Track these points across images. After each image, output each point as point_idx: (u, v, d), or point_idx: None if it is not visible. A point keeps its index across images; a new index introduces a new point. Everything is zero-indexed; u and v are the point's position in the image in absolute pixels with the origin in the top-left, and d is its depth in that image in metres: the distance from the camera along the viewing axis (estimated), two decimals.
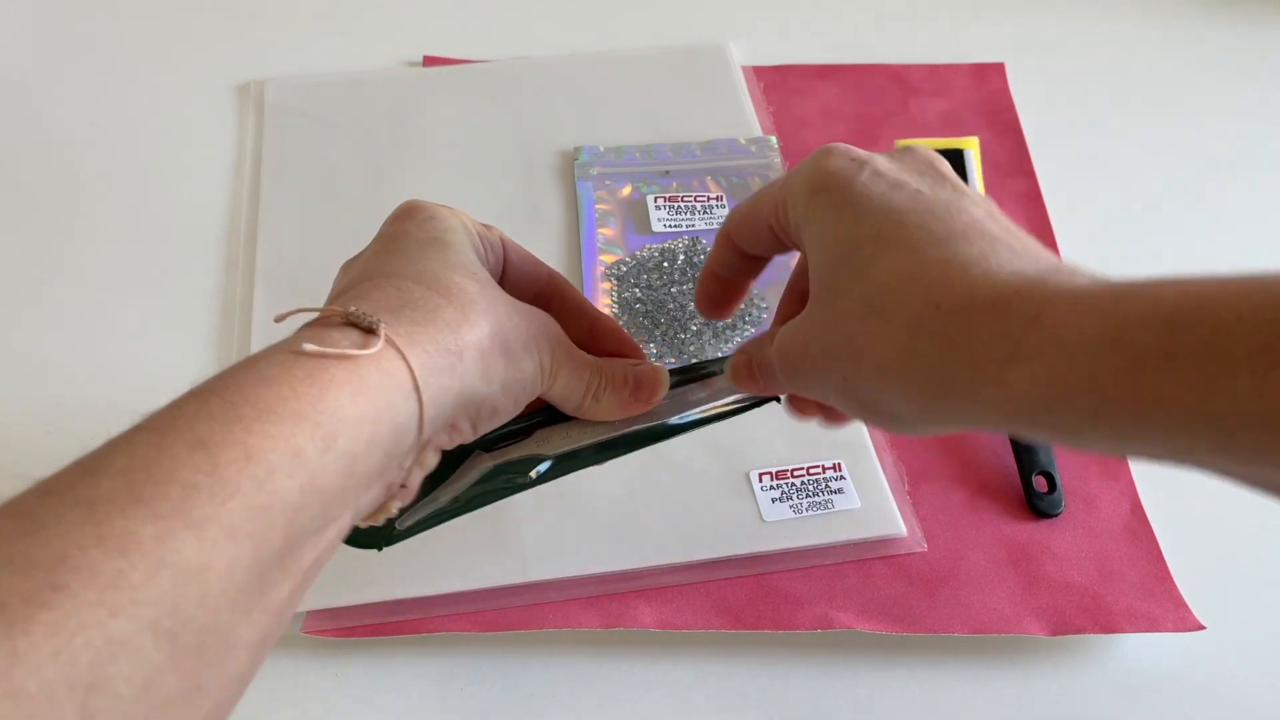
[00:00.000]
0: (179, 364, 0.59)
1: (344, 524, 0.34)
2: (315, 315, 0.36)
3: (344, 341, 0.34)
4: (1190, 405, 0.27)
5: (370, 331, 0.34)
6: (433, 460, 0.38)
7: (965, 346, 0.32)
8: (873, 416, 0.37)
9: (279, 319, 0.37)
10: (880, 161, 0.37)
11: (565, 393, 0.42)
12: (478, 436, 0.40)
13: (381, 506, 0.37)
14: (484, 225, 0.43)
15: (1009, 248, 0.35)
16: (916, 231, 0.35)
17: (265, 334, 0.59)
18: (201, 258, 0.64)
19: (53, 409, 0.57)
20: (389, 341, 0.34)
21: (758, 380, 0.43)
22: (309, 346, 0.33)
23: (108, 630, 0.25)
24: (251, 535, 0.29)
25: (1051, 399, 0.30)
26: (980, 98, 0.74)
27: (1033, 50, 0.77)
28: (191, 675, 0.27)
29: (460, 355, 0.36)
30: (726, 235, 0.43)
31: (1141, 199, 0.69)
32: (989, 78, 0.75)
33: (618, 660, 0.49)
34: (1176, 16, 0.81)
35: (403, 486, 0.37)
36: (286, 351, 0.33)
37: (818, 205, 0.37)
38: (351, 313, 0.35)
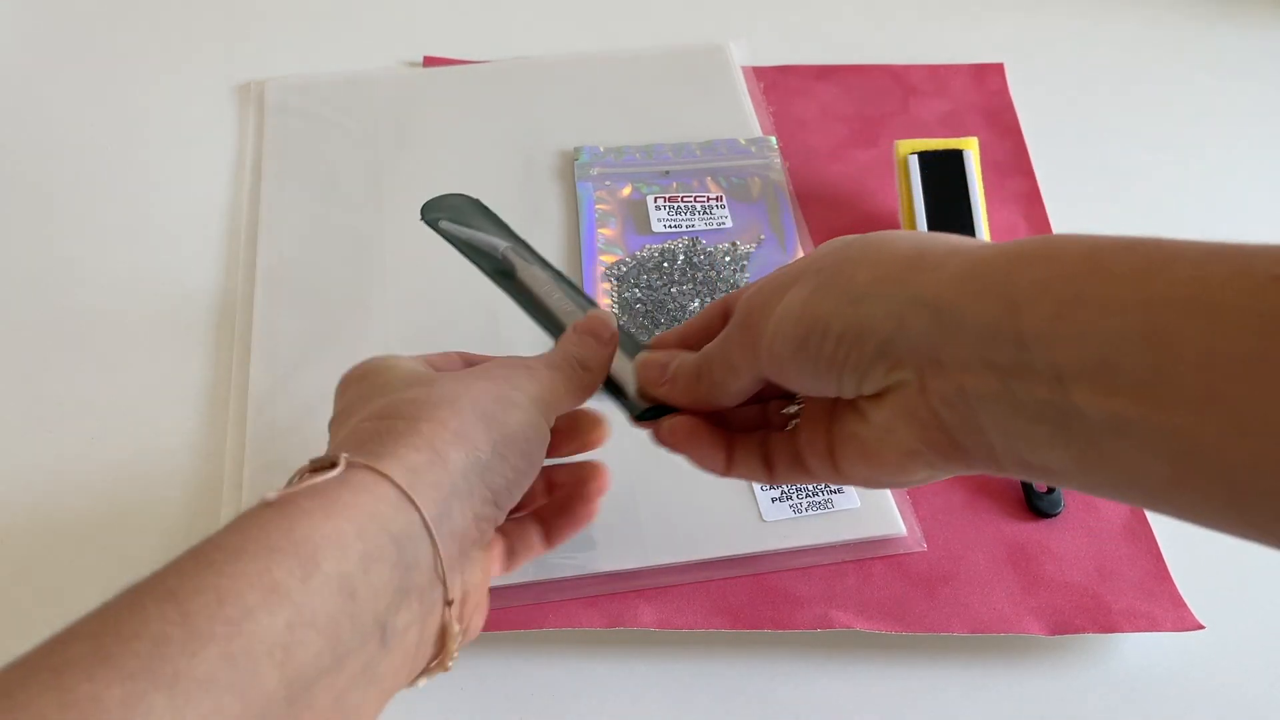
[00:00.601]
0: (179, 364, 0.59)
1: (371, 655, 0.32)
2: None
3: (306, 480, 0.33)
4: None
5: (334, 465, 0.33)
6: (472, 567, 0.38)
7: (954, 239, 0.35)
8: (819, 298, 0.36)
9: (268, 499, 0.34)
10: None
11: (568, 399, 0.42)
12: (509, 509, 0.39)
13: (443, 633, 0.36)
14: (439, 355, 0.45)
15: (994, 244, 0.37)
16: (924, 237, 0.37)
17: (265, 334, 0.59)
18: (201, 258, 0.64)
19: (53, 409, 0.58)
20: (352, 464, 0.34)
21: (693, 381, 0.41)
22: (271, 494, 0.32)
23: None
24: (232, 686, 0.27)
25: (1010, 264, 0.31)
26: (980, 98, 0.74)
27: (1032, 51, 0.77)
28: None
29: (434, 450, 0.35)
30: (722, 303, 0.44)
31: (1140, 199, 0.69)
32: (988, 78, 0.75)
33: (618, 659, 0.49)
34: (1176, 16, 0.81)
35: (450, 604, 0.35)
36: (255, 508, 0.32)
37: (845, 240, 0.38)
38: (314, 460, 0.34)
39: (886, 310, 0.34)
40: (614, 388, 0.46)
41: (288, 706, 0.28)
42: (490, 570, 0.42)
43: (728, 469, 0.43)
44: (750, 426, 0.44)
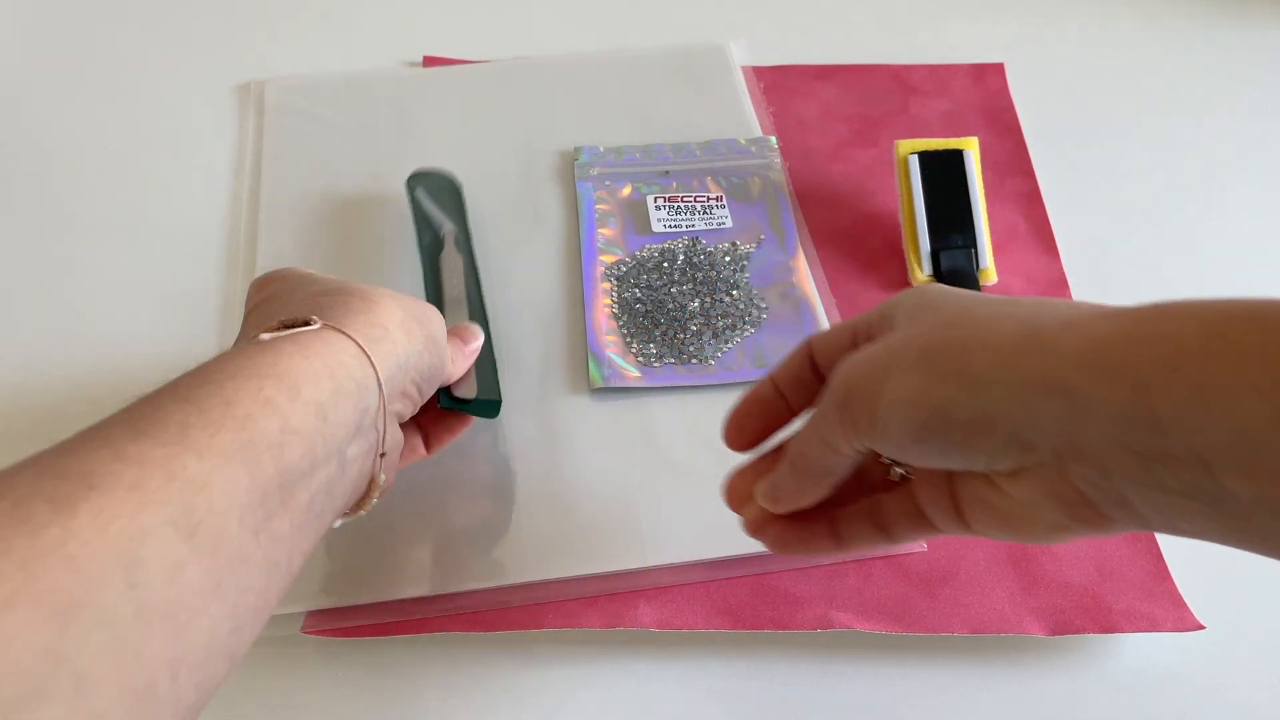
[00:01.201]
0: (180, 364, 0.59)
1: (332, 473, 0.38)
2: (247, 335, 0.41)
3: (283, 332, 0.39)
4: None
5: (306, 324, 0.40)
6: (396, 430, 0.43)
7: (1063, 313, 0.34)
8: (935, 381, 0.34)
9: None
10: None
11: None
12: (425, 400, 0.46)
13: (371, 481, 0.42)
14: None
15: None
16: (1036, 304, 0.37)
17: None
18: (202, 258, 0.64)
19: (54, 409, 0.57)
20: (325, 325, 0.40)
21: (784, 477, 0.41)
22: (264, 335, 0.38)
23: (137, 520, 0.30)
24: (244, 462, 0.33)
25: (1134, 344, 0.30)
26: (979, 98, 0.74)
27: (1032, 51, 0.77)
28: (210, 572, 0.31)
29: (385, 329, 0.42)
30: (806, 346, 0.43)
31: (1140, 199, 0.69)
32: (988, 78, 0.75)
33: (618, 659, 0.49)
34: (1175, 17, 0.81)
35: (382, 455, 0.42)
36: (244, 346, 0.38)
37: (915, 291, 0.39)
38: (284, 319, 0.40)
39: (1013, 397, 0.33)
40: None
41: (278, 493, 0.35)
42: (403, 446, 0.47)
43: (839, 546, 0.42)
44: (846, 496, 0.42)
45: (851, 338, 0.41)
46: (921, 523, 0.40)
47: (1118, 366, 0.31)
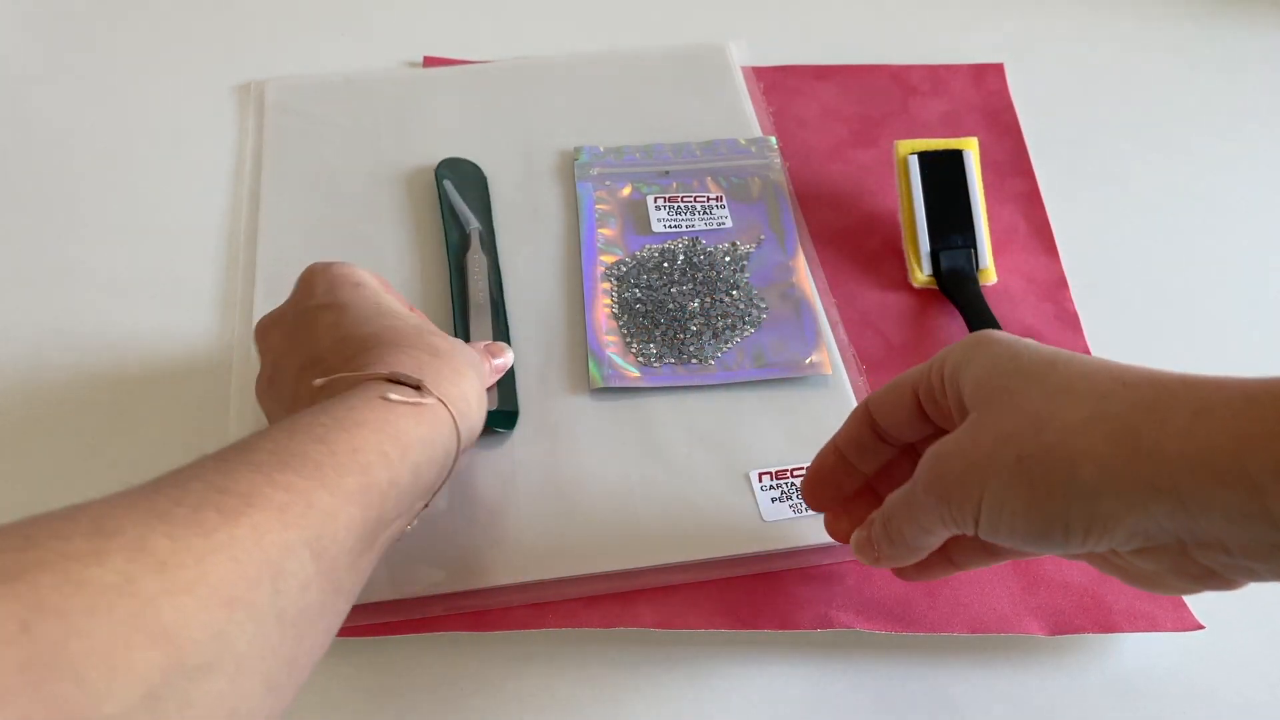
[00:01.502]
0: (180, 364, 0.59)
1: (403, 524, 0.43)
2: (355, 375, 0.44)
3: (402, 394, 0.43)
4: None
5: (417, 387, 0.43)
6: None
7: (1153, 405, 0.34)
8: (1040, 498, 0.36)
9: (319, 384, 0.44)
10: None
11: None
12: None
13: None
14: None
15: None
16: (1085, 356, 0.38)
17: None
18: (202, 258, 0.64)
19: (54, 409, 0.58)
20: (429, 393, 0.44)
21: (880, 542, 0.43)
22: (393, 396, 0.42)
23: (283, 538, 0.34)
24: (362, 505, 0.37)
25: (1240, 446, 0.31)
26: (979, 98, 0.74)
27: (1031, 51, 0.77)
28: (324, 593, 0.35)
29: (468, 402, 0.46)
30: (864, 409, 0.45)
31: (1139, 199, 0.69)
32: (988, 78, 0.75)
33: (618, 659, 0.49)
34: (1174, 17, 0.81)
35: (425, 506, 0.45)
36: (370, 397, 0.42)
37: (981, 350, 0.40)
38: (395, 374, 0.43)
39: (1128, 504, 0.34)
40: None
41: (372, 534, 0.39)
42: None
43: (953, 569, 0.45)
44: None
45: (913, 398, 0.42)
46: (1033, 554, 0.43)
47: (1227, 472, 0.31)
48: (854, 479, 0.46)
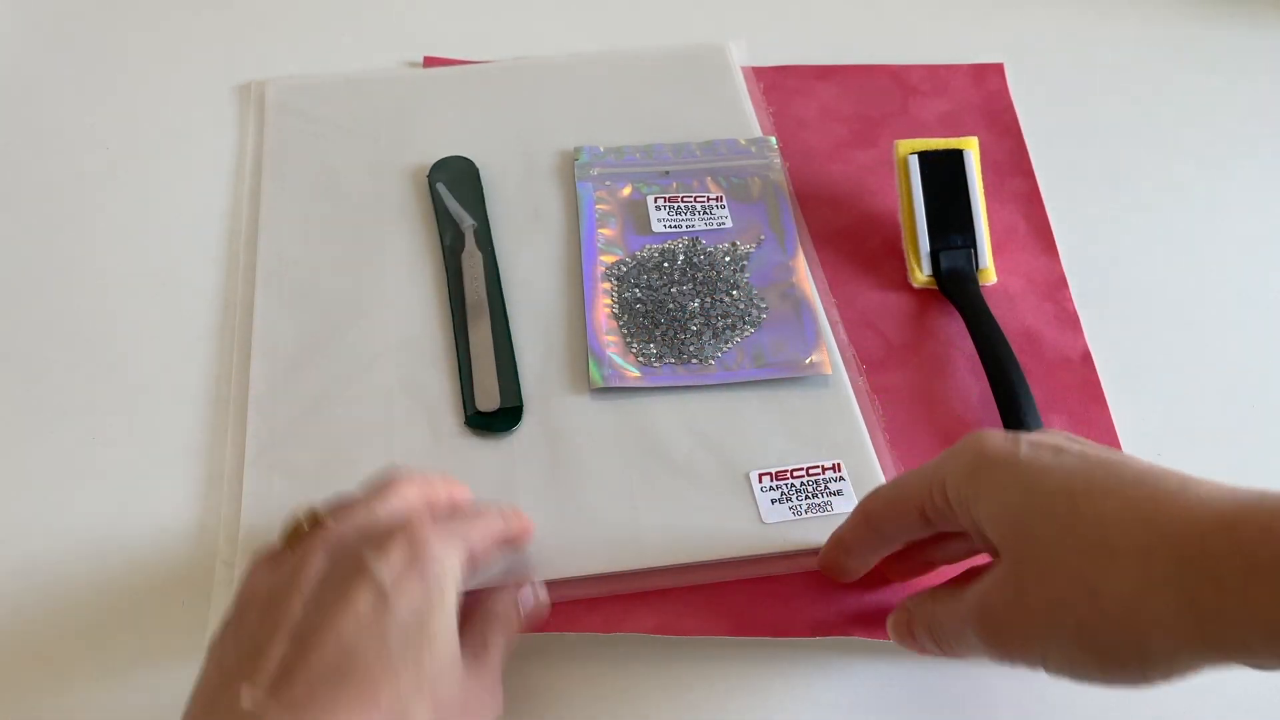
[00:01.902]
0: (180, 365, 0.60)
1: None
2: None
3: None
4: None
5: None
6: None
7: (1201, 564, 0.34)
8: (1113, 665, 0.37)
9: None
10: (1031, 436, 0.40)
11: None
12: None
13: None
14: (470, 551, 0.43)
15: (1197, 479, 0.37)
16: (1107, 479, 0.37)
17: (266, 334, 0.59)
18: (202, 258, 0.64)
19: (54, 409, 0.58)
20: None
21: (925, 644, 0.44)
22: None
23: None
24: None
25: None
26: (979, 98, 0.74)
27: (1031, 51, 0.77)
28: None
29: None
30: (865, 516, 0.45)
31: (1139, 199, 0.69)
32: (988, 78, 0.75)
33: (618, 662, 0.49)
34: (1174, 17, 0.81)
35: None
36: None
37: (986, 480, 0.39)
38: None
39: (1204, 658, 0.35)
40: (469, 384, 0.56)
41: None
42: None
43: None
44: None
45: (919, 515, 0.42)
46: None
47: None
48: (869, 561, 0.47)
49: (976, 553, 0.44)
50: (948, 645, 0.43)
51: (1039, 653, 0.38)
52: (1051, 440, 0.40)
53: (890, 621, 0.46)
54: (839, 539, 0.47)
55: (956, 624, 0.41)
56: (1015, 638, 0.38)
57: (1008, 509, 0.38)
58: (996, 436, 0.40)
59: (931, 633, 0.43)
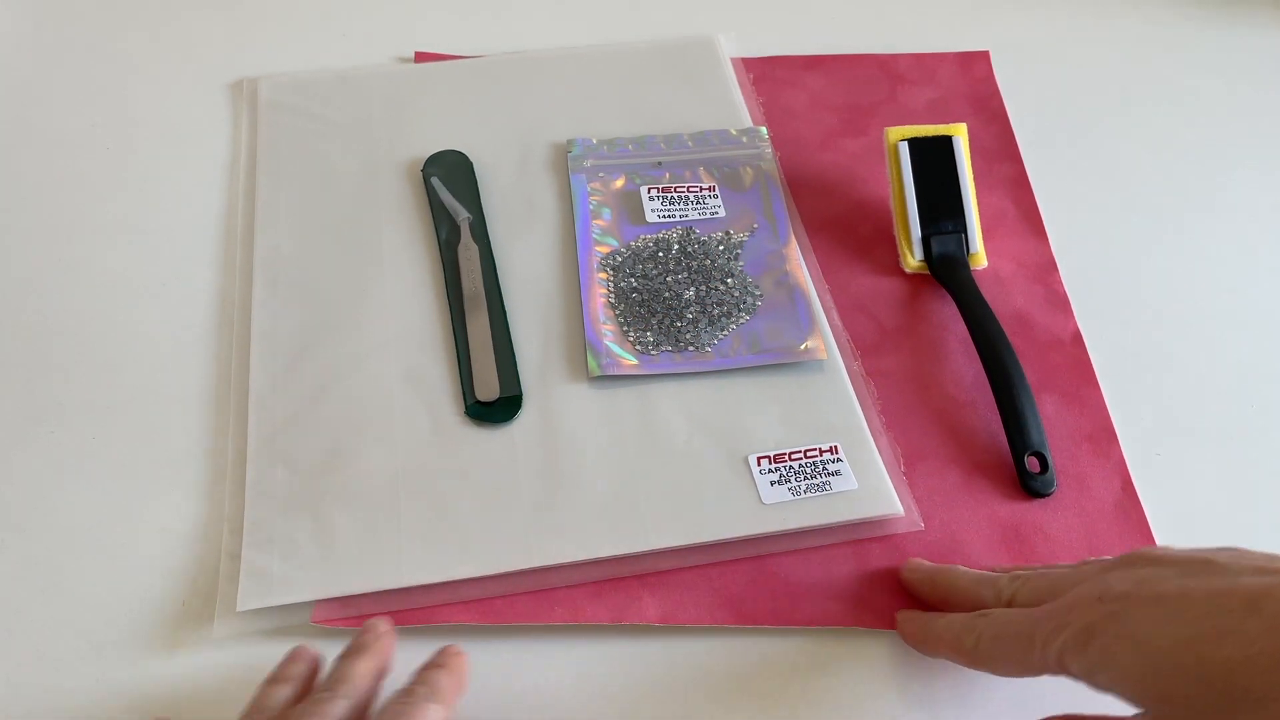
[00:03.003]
0: (179, 364, 0.60)
1: None
2: None
3: None
4: None
5: None
6: None
7: None
8: None
9: None
10: (1115, 577, 0.39)
11: None
12: None
13: None
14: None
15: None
16: (1221, 618, 0.36)
17: (264, 329, 0.60)
18: (199, 257, 0.64)
19: (54, 410, 0.58)
20: None
21: (979, 665, 0.44)
22: None
23: None
24: None
25: None
26: (966, 85, 0.74)
27: (1018, 38, 0.78)
28: None
29: None
30: (971, 655, 0.44)
31: (1126, 182, 0.70)
32: (974, 66, 0.76)
33: (621, 649, 0.50)
34: (1159, 3, 0.82)
35: None
36: None
37: (1098, 651, 0.38)
38: None
39: None
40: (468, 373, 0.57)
41: None
42: None
43: None
44: None
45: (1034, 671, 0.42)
46: None
47: None
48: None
49: None
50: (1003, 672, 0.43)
51: None
52: (1154, 565, 0.39)
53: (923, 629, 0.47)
54: (930, 644, 0.47)
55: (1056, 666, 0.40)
56: None
57: (1130, 675, 0.37)
58: (1093, 592, 0.39)
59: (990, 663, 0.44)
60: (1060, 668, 0.40)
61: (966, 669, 0.45)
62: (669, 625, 0.50)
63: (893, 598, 0.51)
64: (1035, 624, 0.41)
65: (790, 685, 0.49)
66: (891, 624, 0.50)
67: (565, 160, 0.68)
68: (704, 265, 0.62)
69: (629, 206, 0.65)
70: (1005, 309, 0.61)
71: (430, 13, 0.79)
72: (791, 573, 0.51)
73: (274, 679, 0.44)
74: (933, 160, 0.64)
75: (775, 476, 0.53)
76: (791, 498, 0.53)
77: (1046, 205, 0.67)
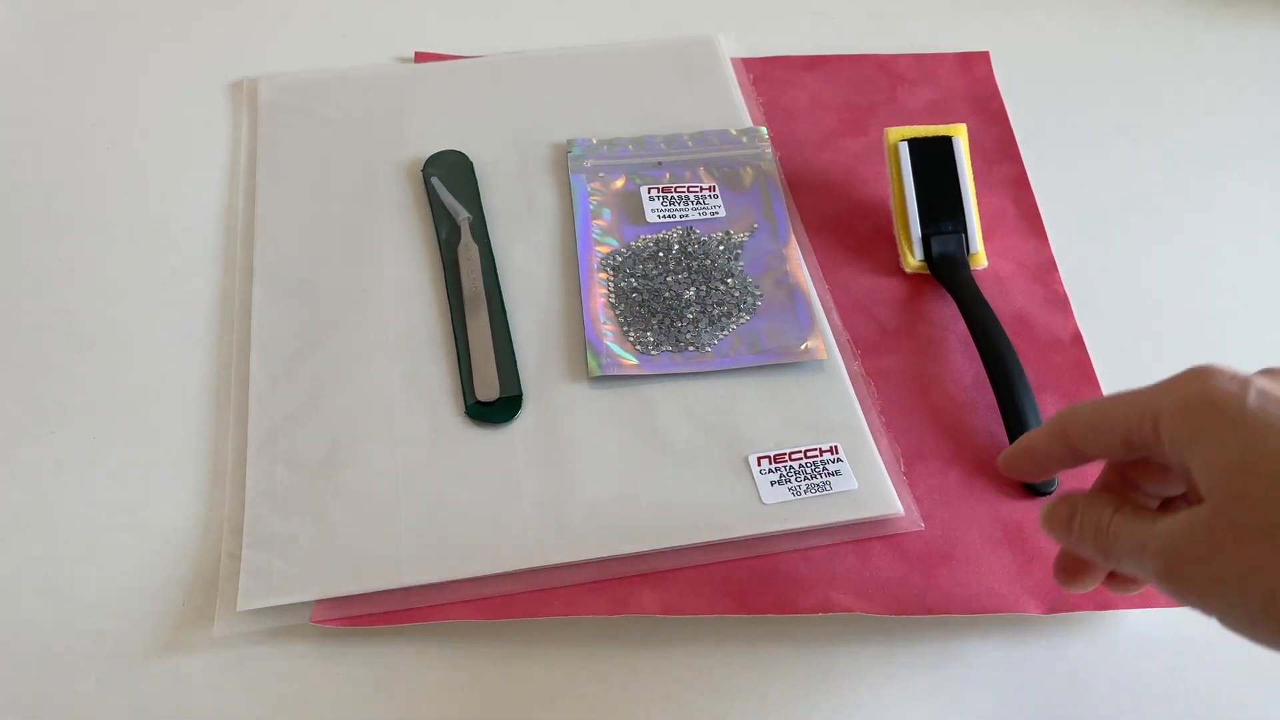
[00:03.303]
0: (179, 363, 0.60)
1: None
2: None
3: None
4: None
5: None
6: None
7: None
8: None
9: None
10: (1262, 382, 0.37)
11: None
12: None
13: None
14: None
15: None
16: None
17: (264, 329, 0.60)
18: (199, 257, 0.64)
19: (54, 410, 0.58)
20: None
21: (1083, 544, 0.41)
22: None
23: None
24: None
25: None
26: (966, 86, 0.74)
27: (1017, 39, 0.78)
28: None
29: None
30: (1062, 432, 0.42)
31: (1126, 182, 0.70)
32: (974, 66, 0.76)
33: (623, 644, 0.50)
34: (1159, 4, 0.82)
35: None
36: None
37: (1206, 423, 0.37)
38: None
39: None
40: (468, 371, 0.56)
41: None
42: None
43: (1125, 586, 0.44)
44: None
45: (1124, 441, 0.39)
46: None
47: None
48: (1053, 471, 0.44)
49: (1171, 486, 0.42)
50: (1113, 557, 0.40)
51: (1219, 609, 0.35)
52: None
53: (1047, 510, 0.42)
54: (1028, 448, 0.43)
55: (1135, 547, 0.38)
56: (1198, 588, 0.36)
57: (1224, 461, 0.35)
58: (1224, 375, 0.37)
59: (1098, 537, 0.40)
60: (1151, 429, 0.38)
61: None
62: (670, 619, 0.50)
63: (898, 586, 0.51)
64: (1140, 400, 0.39)
65: (791, 686, 0.49)
66: (897, 608, 0.50)
67: (565, 160, 0.68)
68: (704, 265, 0.62)
69: (629, 206, 0.65)
70: (1005, 309, 0.61)
71: (430, 12, 0.79)
72: (792, 569, 0.51)
73: None
74: (933, 160, 0.64)
75: (775, 476, 0.53)
76: (792, 498, 0.52)
77: (1046, 205, 0.67)
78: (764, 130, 0.69)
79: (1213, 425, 0.36)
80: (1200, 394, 0.37)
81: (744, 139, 0.69)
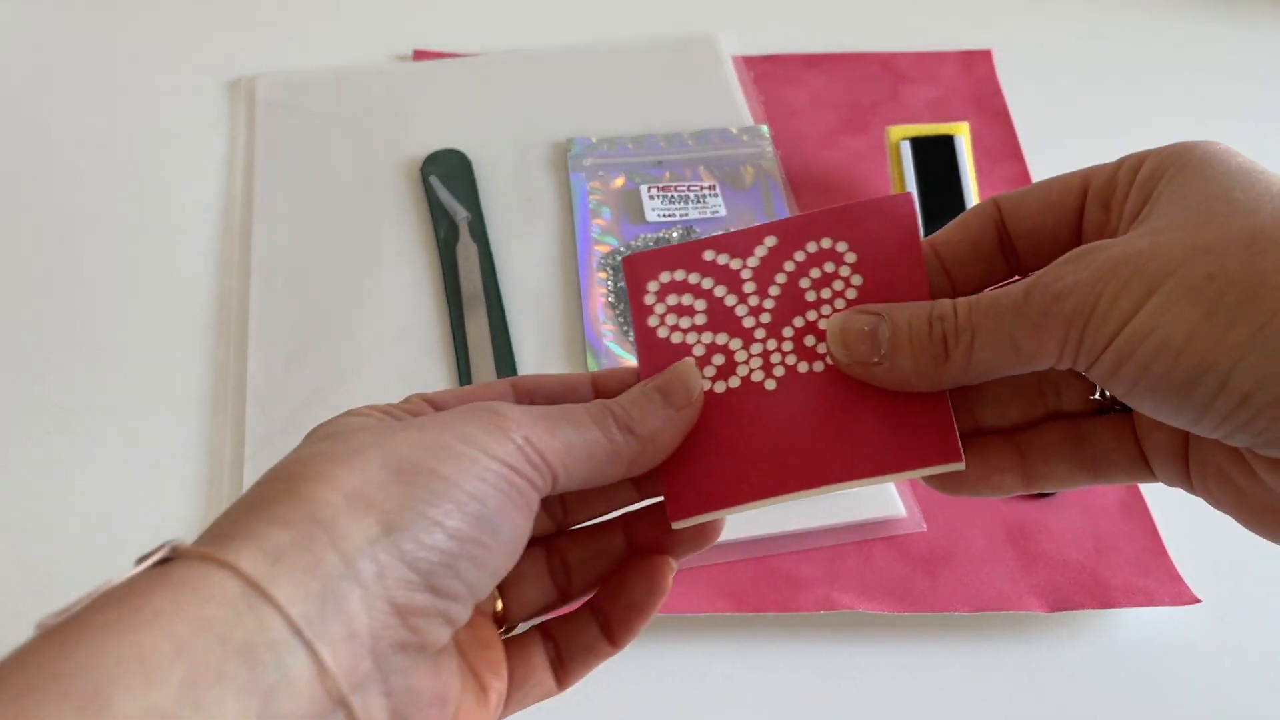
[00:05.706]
0: (177, 363, 0.59)
1: None
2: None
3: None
4: None
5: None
6: (413, 678, 0.28)
7: None
8: (1222, 324, 0.26)
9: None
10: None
11: (586, 467, 0.31)
12: (473, 598, 0.28)
13: None
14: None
15: None
16: None
17: (262, 328, 0.59)
18: (196, 255, 0.64)
19: (53, 409, 0.57)
20: (181, 552, 0.26)
21: (916, 364, 0.31)
22: (49, 617, 0.26)
23: None
24: None
25: None
26: (968, 84, 0.74)
27: (1019, 37, 0.78)
28: None
29: (314, 518, 0.26)
30: (992, 206, 0.34)
31: None
32: (976, 65, 0.75)
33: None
34: (1160, 4, 0.81)
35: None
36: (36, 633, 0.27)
37: (1190, 163, 0.32)
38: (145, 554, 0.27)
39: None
40: None
41: None
42: (490, 682, 0.33)
43: (1027, 485, 0.33)
44: (1032, 414, 0.34)
45: (1078, 196, 0.32)
46: (1141, 470, 0.32)
47: None
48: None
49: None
50: (971, 348, 0.30)
51: (1129, 304, 0.27)
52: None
53: (836, 322, 0.33)
54: (928, 242, 0.34)
55: (1012, 298, 0.30)
56: (1112, 276, 0.28)
57: (1200, 190, 0.31)
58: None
59: (959, 331, 0.30)
60: (1131, 171, 0.32)
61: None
62: (670, 618, 0.49)
63: (898, 584, 0.50)
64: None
65: (791, 685, 0.48)
66: (898, 606, 0.49)
67: (565, 159, 0.68)
68: None
69: (629, 205, 0.65)
70: None
71: (429, 11, 0.79)
72: (794, 569, 0.51)
73: None
74: (935, 159, 0.63)
75: None
76: None
77: None
78: (765, 129, 0.69)
79: (1193, 162, 0.32)
80: (1201, 153, 0.33)
81: (745, 138, 0.68)
